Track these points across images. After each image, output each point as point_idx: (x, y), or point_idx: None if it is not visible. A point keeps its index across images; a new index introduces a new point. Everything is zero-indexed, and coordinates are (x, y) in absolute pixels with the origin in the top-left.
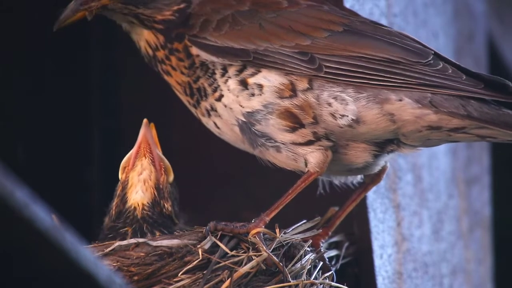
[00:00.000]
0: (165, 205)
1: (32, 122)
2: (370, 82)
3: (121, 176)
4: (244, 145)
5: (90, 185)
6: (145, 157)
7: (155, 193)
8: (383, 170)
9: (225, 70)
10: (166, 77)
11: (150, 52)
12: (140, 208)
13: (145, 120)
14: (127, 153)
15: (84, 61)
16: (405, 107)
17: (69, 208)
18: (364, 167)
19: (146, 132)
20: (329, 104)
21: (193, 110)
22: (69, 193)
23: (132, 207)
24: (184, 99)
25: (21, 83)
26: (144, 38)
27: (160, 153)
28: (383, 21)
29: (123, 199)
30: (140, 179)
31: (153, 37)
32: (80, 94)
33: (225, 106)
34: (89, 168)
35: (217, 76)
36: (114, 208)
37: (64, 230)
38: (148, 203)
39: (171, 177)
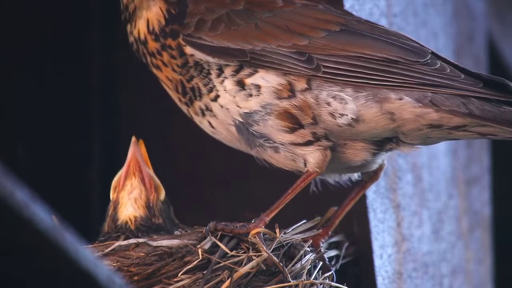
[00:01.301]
0: (156, 221)
1: (32, 122)
2: (369, 82)
3: (112, 195)
4: (240, 145)
5: (90, 185)
6: (135, 177)
7: (146, 211)
8: (380, 167)
9: (221, 70)
10: (155, 71)
11: (142, 36)
12: (133, 220)
13: (133, 139)
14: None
15: (84, 61)
16: (405, 106)
17: (69, 208)
18: (362, 165)
19: (135, 151)
20: (328, 104)
21: (184, 108)
22: (69, 193)
23: (124, 221)
24: (174, 95)
25: (21, 83)
26: (146, 17)
27: (150, 171)
28: (383, 21)
29: (114, 219)
30: (130, 197)
31: (159, 14)
32: (80, 94)
33: (221, 106)
34: (89, 168)
35: (213, 76)
36: (106, 227)
37: (64, 230)
38: (140, 215)
39: (162, 195)
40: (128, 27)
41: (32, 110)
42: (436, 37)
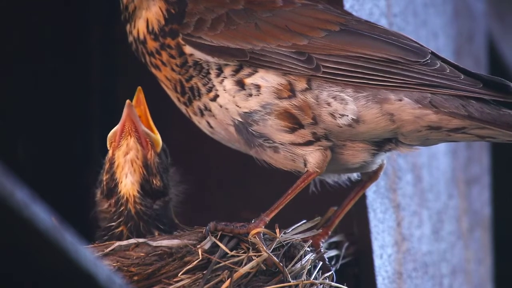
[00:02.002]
0: (154, 181)
1: (32, 122)
2: (369, 82)
3: (108, 147)
4: (239, 145)
5: (90, 185)
6: (131, 136)
7: (144, 172)
8: (380, 167)
9: (220, 70)
10: (153, 70)
11: (142, 36)
12: (132, 200)
13: (127, 101)
14: None
15: (84, 61)
16: (405, 107)
17: (69, 208)
18: (361, 166)
19: (130, 112)
20: (329, 104)
21: (183, 107)
22: (69, 193)
23: (125, 198)
24: (173, 95)
25: (21, 83)
26: (146, 17)
27: (146, 129)
28: (383, 21)
29: (113, 177)
30: (127, 159)
31: (159, 14)
32: (80, 94)
33: (221, 106)
34: (89, 168)
35: (212, 76)
36: (105, 184)
37: (64, 230)
38: (138, 192)
39: (159, 148)
40: (128, 27)
41: (32, 110)
42: (436, 37)
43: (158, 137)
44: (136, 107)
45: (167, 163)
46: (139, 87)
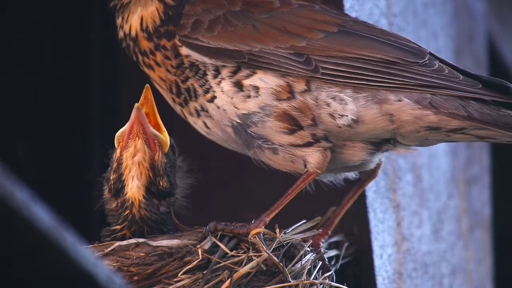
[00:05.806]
0: (161, 182)
1: (32, 122)
2: (368, 83)
3: (116, 146)
4: (236, 146)
5: (90, 185)
6: (139, 138)
7: (151, 174)
8: (378, 166)
9: (217, 71)
10: (146, 70)
11: (134, 33)
12: (137, 204)
13: (136, 105)
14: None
15: (84, 61)
16: (404, 108)
17: (69, 208)
18: (359, 165)
19: (138, 115)
20: (328, 105)
21: (177, 108)
22: (69, 193)
23: (130, 201)
24: (167, 96)
25: (21, 83)
26: (141, 14)
27: (154, 130)
28: (383, 21)
29: (120, 179)
30: (134, 161)
31: (155, 15)
32: (80, 94)
33: (218, 107)
34: (89, 168)
35: (209, 77)
36: (112, 183)
37: (64, 230)
38: (144, 196)
39: (167, 148)
40: (119, 20)
41: (32, 110)
42: (436, 37)
43: (166, 136)
44: (144, 104)
45: (174, 160)
46: (147, 85)
